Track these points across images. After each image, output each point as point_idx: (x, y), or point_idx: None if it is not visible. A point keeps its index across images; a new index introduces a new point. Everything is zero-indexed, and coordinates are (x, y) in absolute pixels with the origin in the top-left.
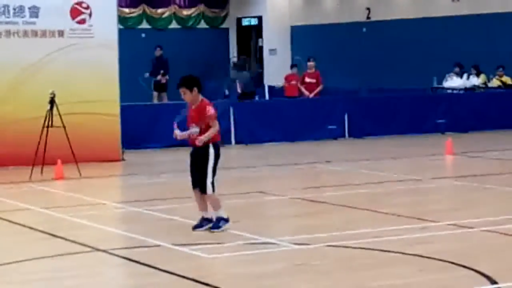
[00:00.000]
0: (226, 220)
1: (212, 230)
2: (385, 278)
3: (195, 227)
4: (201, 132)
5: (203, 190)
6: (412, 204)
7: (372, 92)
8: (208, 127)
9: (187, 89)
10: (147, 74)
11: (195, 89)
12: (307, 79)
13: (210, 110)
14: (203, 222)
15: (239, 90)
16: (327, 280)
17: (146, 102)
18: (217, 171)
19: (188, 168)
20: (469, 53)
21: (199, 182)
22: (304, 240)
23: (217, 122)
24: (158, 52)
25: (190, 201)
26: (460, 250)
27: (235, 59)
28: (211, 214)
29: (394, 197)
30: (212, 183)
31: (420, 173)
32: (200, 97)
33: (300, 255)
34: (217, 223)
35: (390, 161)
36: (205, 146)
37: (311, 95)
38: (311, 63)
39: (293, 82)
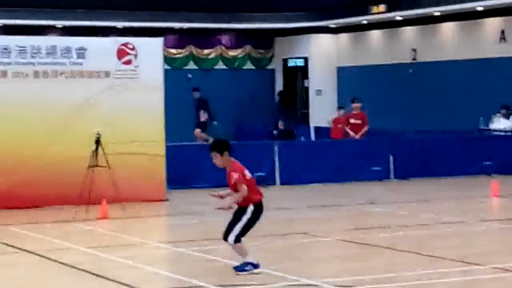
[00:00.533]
0: (255, 266)
1: (237, 272)
2: None
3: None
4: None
5: (225, 237)
6: (457, 247)
7: (418, 133)
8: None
9: (217, 153)
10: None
11: (226, 153)
12: (352, 120)
13: (234, 176)
14: (243, 265)
15: (281, 127)
16: None
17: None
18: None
19: None
20: None
21: (226, 230)
22: (347, 282)
23: (244, 186)
24: (196, 95)
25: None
26: None
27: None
28: (247, 258)
29: (438, 239)
30: (238, 238)
31: (466, 215)
32: (231, 160)
33: None
34: (243, 266)
35: (435, 203)
36: (246, 207)
37: (357, 136)
38: (356, 105)
39: (340, 126)
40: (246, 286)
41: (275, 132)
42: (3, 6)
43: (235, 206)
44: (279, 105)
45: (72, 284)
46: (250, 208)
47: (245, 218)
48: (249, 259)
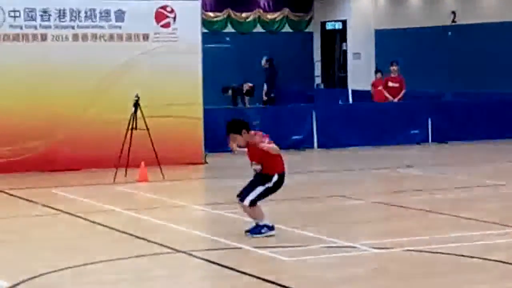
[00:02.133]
0: (270, 228)
1: (253, 236)
2: (465, 284)
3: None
4: (264, 168)
5: (241, 198)
6: (495, 210)
7: (457, 97)
8: (269, 161)
9: (236, 134)
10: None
11: (244, 130)
12: (390, 84)
13: (264, 143)
14: (258, 227)
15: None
16: (404, 286)
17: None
18: (299, 174)
19: None
20: None
21: (245, 190)
22: (384, 244)
23: (274, 145)
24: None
25: (272, 203)
26: None
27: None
28: (263, 220)
29: (476, 202)
30: (253, 201)
31: (504, 178)
32: (253, 133)
33: (379, 259)
34: (259, 229)
35: (473, 166)
36: (272, 174)
37: (395, 100)
38: (394, 67)
39: (380, 88)
40: (283, 247)
41: (264, 98)
42: None
43: (259, 168)
44: (267, 72)
45: (111, 245)
46: (275, 177)
47: (267, 185)
48: (265, 221)
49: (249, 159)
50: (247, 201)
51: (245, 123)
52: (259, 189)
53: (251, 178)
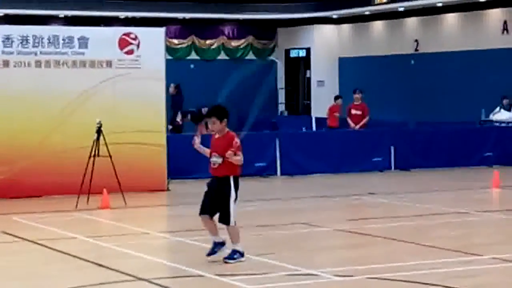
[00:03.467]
0: (242, 254)
1: (226, 261)
2: None
3: (209, 254)
4: (223, 165)
5: (225, 222)
6: (457, 237)
7: (420, 125)
8: (228, 162)
9: (217, 119)
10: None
11: (225, 120)
12: (353, 111)
13: (238, 142)
14: (216, 247)
15: (179, 121)
16: None
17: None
18: (262, 202)
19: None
20: None
21: (222, 214)
22: (346, 272)
23: (241, 155)
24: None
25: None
26: (503, 284)
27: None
28: (223, 238)
29: (438, 229)
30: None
31: (466, 206)
32: (226, 128)
33: (340, 287)
34: (232, 255)
35: (436, 194)
36: (226, 178)
37: (357, 127)
38: (357, 95)
39: (336, 114)
40: (245, 275)
41: (169, 127)
42: None
43: (218, 162)
44: (173, 98)
45: (73, 273)
46: (232, 182)
47: (232, 197)
48: (238, 246)
49: (210, 151)
50: (232, 223)
51: (228, 115)
52: (232, 206)
53: (206, 191)
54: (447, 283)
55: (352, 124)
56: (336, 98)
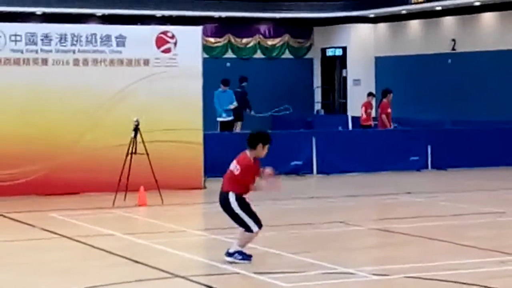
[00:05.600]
0: (247, 257)
1: (226, 258)
2: None
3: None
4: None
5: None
6: (493, 237)
7: (456, 124)
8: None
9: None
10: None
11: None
12: (389, 110)
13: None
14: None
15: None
16: None
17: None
18: (299, 200)
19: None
20: None
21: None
22: (383, 271)
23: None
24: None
25: (271, 229)
26: None
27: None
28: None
29: (475, 229)
30: (254, 224)
31: (503, 206)
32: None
33: (378, 286)
34: (235, 253)
35: (472, 194)
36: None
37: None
38: (391, 95)
39: (369, 111)
40: (282, 273)
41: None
42: None
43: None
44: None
45: (110, 270)
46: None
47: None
48: (244, 250)
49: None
50: (255, 230)
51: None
52: (244, 215)
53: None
54: (483, 282)
55: (388, 124)
56: (369, 95)
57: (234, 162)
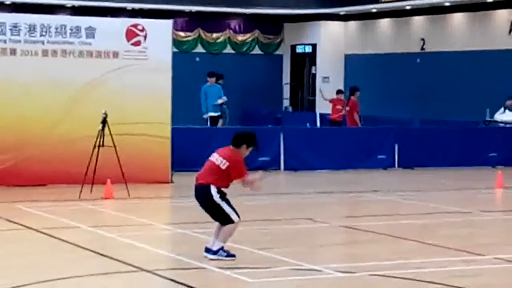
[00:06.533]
0: (232, 255)
1: (210, 257)
2: None
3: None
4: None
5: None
6: (460, 237)
7: (424, 123)
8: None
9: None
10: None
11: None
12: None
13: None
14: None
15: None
16: None
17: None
18: (266, 196)
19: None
20: None
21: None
22: (349, 268)
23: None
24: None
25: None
26: (507, 284)
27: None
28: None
29: (442, 229)
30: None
31: (470, 206)
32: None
33: (343, 283)
34: (218, 251)
35: (439, 193)
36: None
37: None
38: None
39: (338, 107)
40: (249, 269)
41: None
42: None
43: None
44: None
45: (75, 262)
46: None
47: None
48: (223, 244)
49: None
50: (236, 219)
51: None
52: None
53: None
54: (449, 282)
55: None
56: (338, 92)
57: (218, 156)
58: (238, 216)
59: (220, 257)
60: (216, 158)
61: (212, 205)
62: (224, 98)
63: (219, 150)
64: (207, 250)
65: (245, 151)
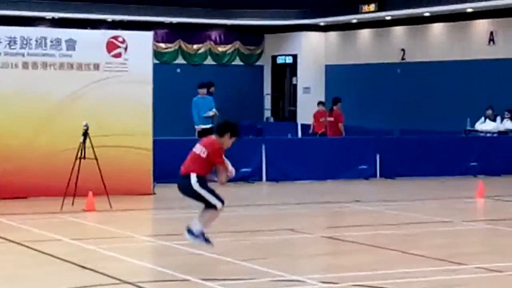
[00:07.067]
0: (209, 241)
1: (187, 236)
2: None
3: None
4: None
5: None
6: (442, 246)
7: (405, 133)
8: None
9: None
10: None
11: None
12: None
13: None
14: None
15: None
16: None
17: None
18: (248, 207)
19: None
20: (504, 97)
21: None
22: (332, 279)
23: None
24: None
25: (220, 236)
26: None
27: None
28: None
29: (423, 238)
30: (218, 201)
31: (451, 215)
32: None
33: None
34: (197, 235)
35: (421, 203)
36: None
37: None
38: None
39: (322, 119)
40: (231, 280)
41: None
42: None
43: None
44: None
45: (57, 275)
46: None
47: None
48: (204, 231)
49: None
50: (219, 206)
51: None
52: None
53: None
54: None
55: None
56: (318, 103)
57: (199, 145)
58: (222, 202)
59: (198, 242)
60: (197, 147)
61: (193, 193)
62: (215, 111)
63: (201, 141)
64: (189, 231)
65: (228, 141)
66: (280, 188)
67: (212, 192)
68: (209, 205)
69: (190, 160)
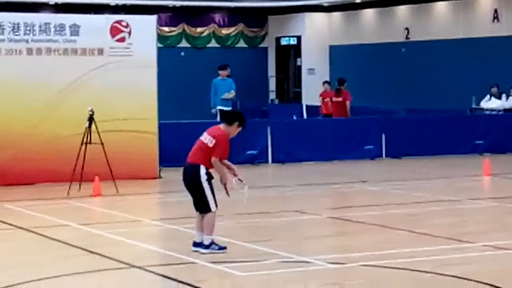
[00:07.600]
0: (223, 247)
1: (202, 251)
2: None
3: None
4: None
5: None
6: (449, 225)
7: (410, 113)
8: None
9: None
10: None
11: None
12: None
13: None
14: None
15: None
16: None
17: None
18: (254, 190)
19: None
20: (509, 74)
21: (200, 206)
22: (339, 259)
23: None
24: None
25: (225, 218)
26: (496, 272)
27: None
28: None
29: (430, 217)
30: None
31: (458, 194)
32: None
33: (334, 274)
34: (209, 245)
35: (427, 182)
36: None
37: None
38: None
39: (327, 100)
40: (239, 262)
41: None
42: None
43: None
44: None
45: (66, 260)
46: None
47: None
48: (212, 237)
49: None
50: (213, 208)
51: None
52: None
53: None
54: (439, 270)
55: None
56: (324, 83)
57: (207, 134)
58: (216, 205)
59: (213, 251)
60: (205, 137)
61: (197, 186)
62: (233, 92)
63: (209, 129)
64: (196, 245)
65: (235, 130)
66: (286, 169)
67: (213, 193)
68: (202, 205)
69: (198, 149)
